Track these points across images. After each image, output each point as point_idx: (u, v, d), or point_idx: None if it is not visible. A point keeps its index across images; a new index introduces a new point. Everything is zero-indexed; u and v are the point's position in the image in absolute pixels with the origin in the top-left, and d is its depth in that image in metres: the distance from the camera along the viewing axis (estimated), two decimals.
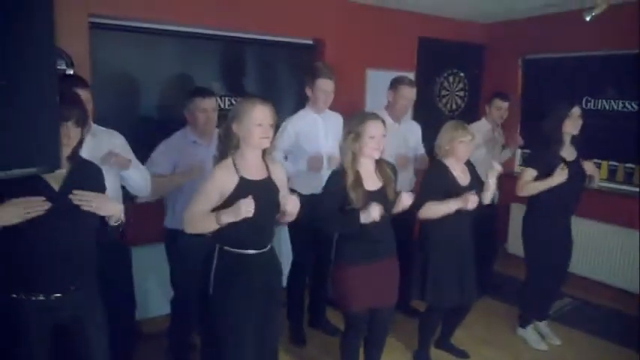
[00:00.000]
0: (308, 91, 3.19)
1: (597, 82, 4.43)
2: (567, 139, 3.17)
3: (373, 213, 2.32)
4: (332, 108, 4.37)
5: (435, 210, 2.82)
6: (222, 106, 3.82)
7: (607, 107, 4.39)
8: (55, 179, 1.83)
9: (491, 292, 4.19)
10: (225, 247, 2.15)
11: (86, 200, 1.84)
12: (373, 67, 4.48)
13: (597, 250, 4.31)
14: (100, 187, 1.99)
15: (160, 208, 2.95)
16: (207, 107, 2.77)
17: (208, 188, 2.09)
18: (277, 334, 2.44)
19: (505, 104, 4.04)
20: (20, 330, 1.85)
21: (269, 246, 2.24)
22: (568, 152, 3.19)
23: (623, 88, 4.27)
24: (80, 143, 1.94)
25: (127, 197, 2.74)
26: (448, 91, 5.14)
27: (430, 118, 4.96)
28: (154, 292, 3.48)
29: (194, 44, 3.66)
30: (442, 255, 2.90)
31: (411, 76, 4.74)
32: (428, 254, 2.94)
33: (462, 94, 5.26)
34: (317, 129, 3.21)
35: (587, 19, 3.47)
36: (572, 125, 3.12)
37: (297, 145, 3.17)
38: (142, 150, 3.63)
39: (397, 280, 2.67)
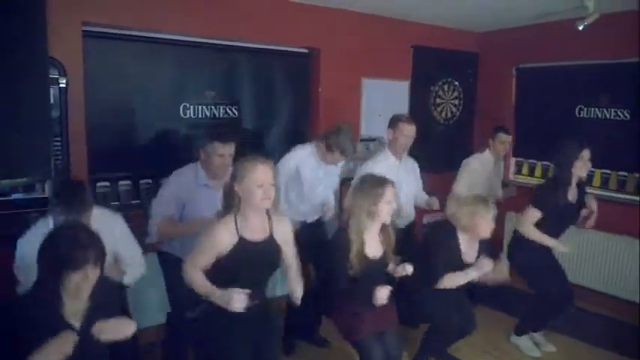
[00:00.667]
0: (322, 144, 3.20)
1: (590, 91, 4.46)
2: (574, 180, 3.16)
3: (380, 300, 2.41)
4: (328, 118, 4.38)
5: (455, 281, 2.83)
6: (216, 115, 3.82)
7: (600, 116, 4.41)
8: (75, 315, 1.80)
9: (487, 302, 4.18)
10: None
11: (105, 333, 1.81)
12: (368, 76, 4.49)
13: (594, 258, 4.30)
14: (116, 306, 1.98)
15: None
16: (225, 153, 2.70)
17: (207, 246, 2.07)
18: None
19: (509, 138, 4.10)
20: None
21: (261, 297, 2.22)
22: (571, 193, 3.19)
23: (616, 96, 4.30)
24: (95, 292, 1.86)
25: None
26: (443, 99, 5.15)
27: (425, 126, 4.97)
28: (148, 301, 3.44)
29: (189, 52, 3.64)
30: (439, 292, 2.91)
31: (406, 84, 4.79)
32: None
33: (456, 102, 5.27)
34: (317, 171, 3.28)
35: (580, 28, 3.51)
36: (580, 167, 3.12)
37: (297, 177, 3.23)
38: (137, 158, 3.64)
39: (394, 309, 2.69)
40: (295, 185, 3.26)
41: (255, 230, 2.12)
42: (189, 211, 2.73)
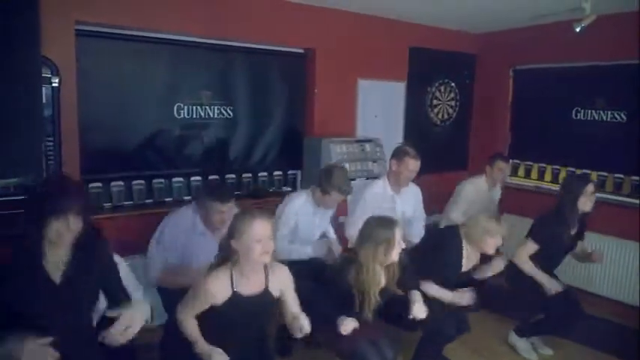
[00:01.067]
0: (317, 190, 3.14)
1: (587, 93, 4.45)
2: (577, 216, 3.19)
3: (344, 331, 2.38)
4: (324, 118, 4.37)
5: (433, 292, 2.83)
6: (211, 115, 3.80)
7: (597, 117, 4.40)
8: (56, 268, 1.77)
9: (482, 303, 4.16)
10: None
11: (118, 337, 1.79)
12: (365, 76, 4.47)
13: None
14: (106, 267, 1.93)
15: (150, 219, 2.91)
16: (224, 210, 2.71)
17: (200, 298, 2.04)
18: None
19: (507, 165, 4.14)
20: None
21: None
22: (573, 228, 3.22)
23: (612, 98, 4.29)
24: (85, 230, 1.83)
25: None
26: (439, 100, 5.14)
27: (421, 127, 4.98)
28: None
29: (183, 52, 3.62)
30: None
31: (403, 85, 4.78)
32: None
33: (453, 103, 5.26)
34: (313, 218, 3.25)
35: (577, 30, 3.49)
36: (585, 202, 3.14)
37: (294, 227, 3.18)
38: (130, 158, 3.61)
39: (382, 328, 2.69)
40: (291, 233, 3.21)
41: (251, 285, 2.09)
42: (187, 256, 2.74)
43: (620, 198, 4.27)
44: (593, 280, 4.26)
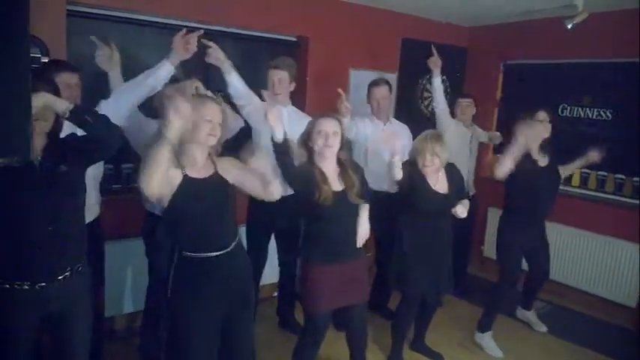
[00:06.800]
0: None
1: (574, 90, 4.50)
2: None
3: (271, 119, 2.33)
4: (315, 107, 4.33)
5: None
6: None
7: (582, 115, 4.45)
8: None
9: (467, 296, 4.22)
10: (184, 253, 2.05)
11: None
12: (356, 66, 4.46)
13: (589, 260, 4.32)
14: (77, 153, 1.91)
15: (136, 202, 2.88)
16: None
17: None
18: (249, 334, 2.32)
19: (466, 100, 4.23)
20: (4, 323, 1.79)
21: (232, 245, 2.11)
22: (539, 158, 3.29)
23: (598, 96, 4.34)
24: (55, 129, 1.87)
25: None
26: (430, 93, 5.15)
27: (412, 119, 4.97)
28: (127, 288, 3.41)
29: (174, 36, 3.57)
30: (416, 249, 2.91)
31: (394, 77, 4.77)
32: (402, 248, 2.95)
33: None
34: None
35: (569, 27, 3.52)
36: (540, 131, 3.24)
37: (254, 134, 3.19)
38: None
39: (365, 279, 2.66)
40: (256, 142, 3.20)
41: (200, 167, 2.05)
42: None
43: (606, 195, 4.34)
44: (591, 280, 4.30)
